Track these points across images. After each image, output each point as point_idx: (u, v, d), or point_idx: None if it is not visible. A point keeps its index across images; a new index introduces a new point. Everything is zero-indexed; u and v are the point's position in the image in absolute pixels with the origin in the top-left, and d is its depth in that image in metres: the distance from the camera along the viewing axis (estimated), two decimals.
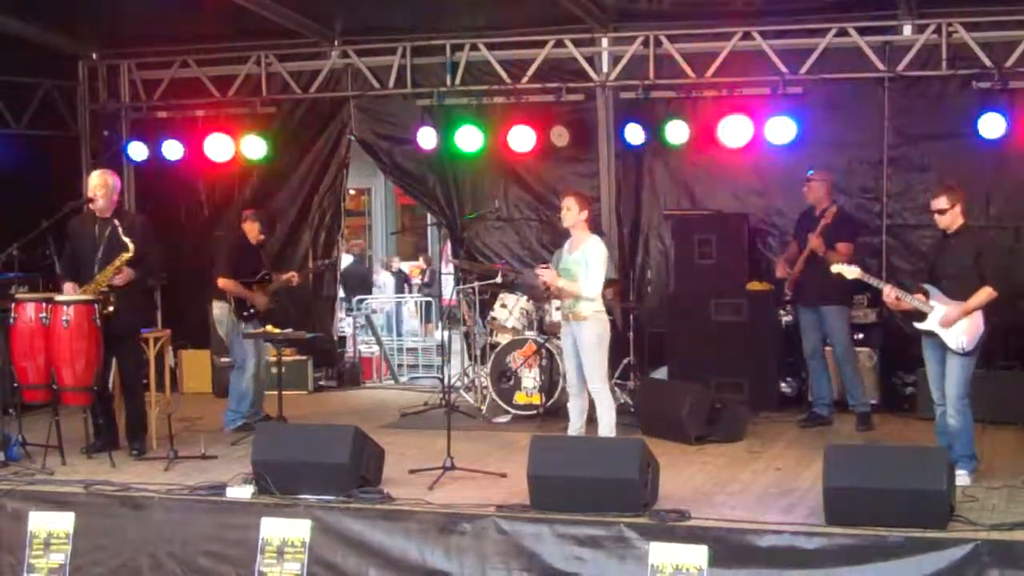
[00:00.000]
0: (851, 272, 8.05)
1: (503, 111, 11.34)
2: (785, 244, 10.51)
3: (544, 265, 8.59)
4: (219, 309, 9.74)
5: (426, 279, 19.83)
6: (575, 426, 8.35)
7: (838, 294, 9.19)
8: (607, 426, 8.18)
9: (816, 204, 9.60)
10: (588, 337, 8.12)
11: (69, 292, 8.38)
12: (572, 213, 8.21)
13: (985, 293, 7.40)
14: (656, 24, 10.81)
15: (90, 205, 8.56)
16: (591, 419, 8.36)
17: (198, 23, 11.32)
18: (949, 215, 7.61)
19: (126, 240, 8.40)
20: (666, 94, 10.97)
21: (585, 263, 8.09)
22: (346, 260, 15.68)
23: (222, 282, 9.54)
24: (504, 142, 11.12)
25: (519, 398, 10.10)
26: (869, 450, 7.63)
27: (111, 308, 8.37)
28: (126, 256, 8.41)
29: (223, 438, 9.15)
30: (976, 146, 9.97)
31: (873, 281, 7.96)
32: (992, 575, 5.98)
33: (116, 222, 8.50)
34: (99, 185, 8.53)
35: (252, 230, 9.81)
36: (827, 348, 9.69)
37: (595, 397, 8.21)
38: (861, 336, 10.12)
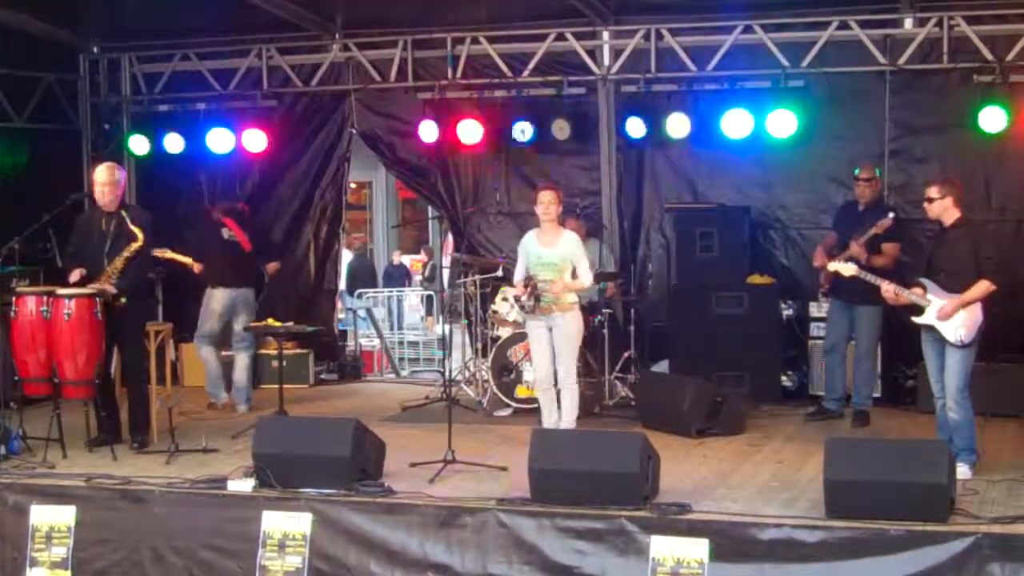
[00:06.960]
0: (848, 270, 8.04)
1: (504, 104, 11.32)
2: (786, 238, 10.50)
3: (528, 281, 8.20)
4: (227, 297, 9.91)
5: (427, 273, 19.81)
6: (553, 418, 8.33)
7: (876, 295, 8.40)
8: (573, 416, 8.28)
9: (862, 200, 9.48)
10: (572, 328, 8.27)
11: (75, 277, 8.39)
12: (554, 208, 8.26)
13: (982, 286, 7.40)
14: (657, 17, 10.79)
15: (96, 199, 8.57)
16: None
17: (199, 16, 11.32)
18: (937, 205, 7.61)
19: (135, 230, 8.45)
20: (667, 87, 10.95)
21: (571, 257, 8.19)
22: (346, 256, 15.66)
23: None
24: (505, 136, 11.09)
25: (520, 392, 10.06)
26: (870, 443, 7.62)
27: (123, 299, 8.41)
28: (135, 245, 8.44)
29: (224, 431, 9.15)
30: (977, 140, 9.95)
31: (870, 278, 7.95)
32: (993, 568, 6.00)
33: (124, 213, 8.54)
34: (106, 179, 8.54)
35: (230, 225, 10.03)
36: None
37: (570, 388, 8.28)
38: None
